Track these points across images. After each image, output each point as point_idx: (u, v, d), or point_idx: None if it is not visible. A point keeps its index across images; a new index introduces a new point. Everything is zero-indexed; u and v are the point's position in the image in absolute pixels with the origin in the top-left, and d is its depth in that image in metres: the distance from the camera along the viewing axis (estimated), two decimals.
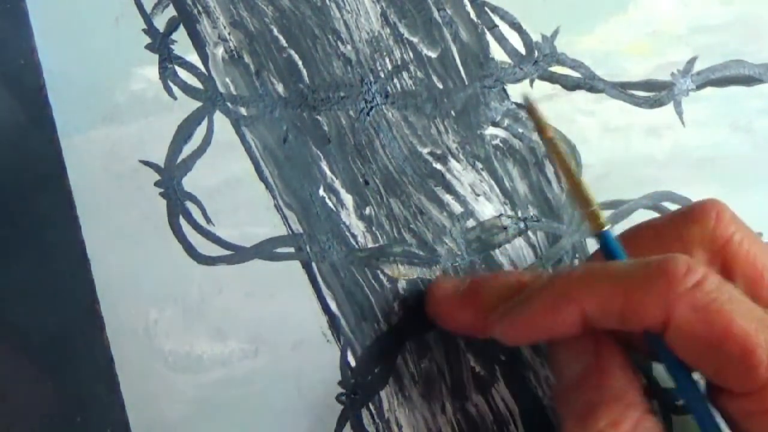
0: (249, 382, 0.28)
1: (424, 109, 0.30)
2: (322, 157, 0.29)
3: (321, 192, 0.29)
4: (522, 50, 0.31)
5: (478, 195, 0.31)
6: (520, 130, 0.31)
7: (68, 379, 0.26)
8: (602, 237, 0.25)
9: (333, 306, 0.29)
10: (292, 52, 0.29)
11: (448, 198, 0.30)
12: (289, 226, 0.29)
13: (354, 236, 0.29)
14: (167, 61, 0.28)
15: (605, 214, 0.29)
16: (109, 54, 0.28)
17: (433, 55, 0.31)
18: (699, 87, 0.33)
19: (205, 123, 0.28)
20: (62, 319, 0.26)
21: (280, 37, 0.29)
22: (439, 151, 0.30)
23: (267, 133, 0.29)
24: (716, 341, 0.21)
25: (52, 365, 0.25)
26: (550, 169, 0.32)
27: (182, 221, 0.28)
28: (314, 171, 0.29)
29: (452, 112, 0.31)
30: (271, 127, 0.29)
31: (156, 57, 0.28)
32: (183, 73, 0.28)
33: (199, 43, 0.29)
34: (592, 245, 0.31)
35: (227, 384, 0.27)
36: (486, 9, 0.31)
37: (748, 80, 0.33)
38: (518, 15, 0.31)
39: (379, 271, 0.29)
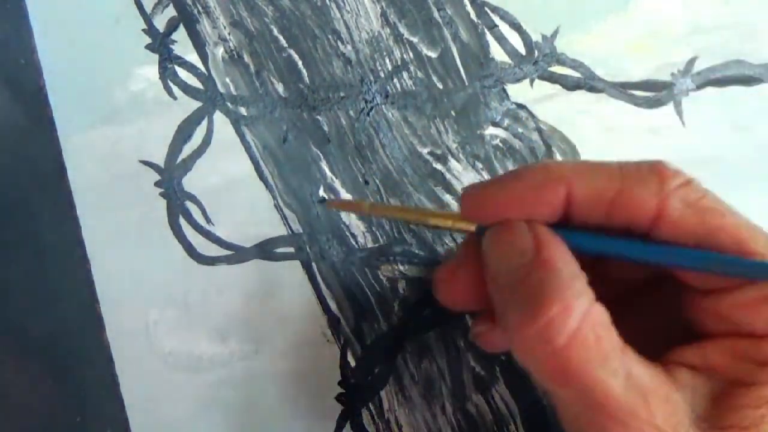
0: (249, 382, 0.28)
1: (424, 109, 0.30)
2: (322, 157, 0.29)
3: (321, 192, 0.29)
4: (522, 50, 0.31)
5: None
6: (520, 130, 0.31)
7: (68, 379, 0.26)
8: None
9: (333, 306, 0.29)
10: (292, 52, 0.29)
11: (448, 198, 0.30)
12: (289, 226, 0.29)
13: (354, 236, 0.29)
14: (167, 61, 0.28)
15: None
16: (109, 54, 0.28)
17: (433, 55, 0.31)
18: (699, 87, 0.33)
19: (205, 123, 0.28)
20: (62, 319, 0.26)
21: (280, 37, 0.29)
22: (439, 151, 0.30)
23: (267, 133, 0.29)
24: (709, 233, 0.21)
25: (52, 365, 0.25)
26: None
27: (182, 221, 0.28)
28: (314, 171, 0.29)
29: (452, 112, 0.31)
30: (271, 127, 0.29)
31: (156, 57, 0.28)
32: (183, 73, 0.28)
33: (199, 43, 0.29)
34: None
35: (227, 384, 0.27)
36: (486, 9, 0.31)
37: (748, 80, 0.33)
38: (518, 15, 0.31)
39: (379, 271, 0.30)
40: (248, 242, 0.28)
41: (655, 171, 0.22)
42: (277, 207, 0.29)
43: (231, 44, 0.29)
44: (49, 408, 0.25)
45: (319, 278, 0.29)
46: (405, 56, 0.30)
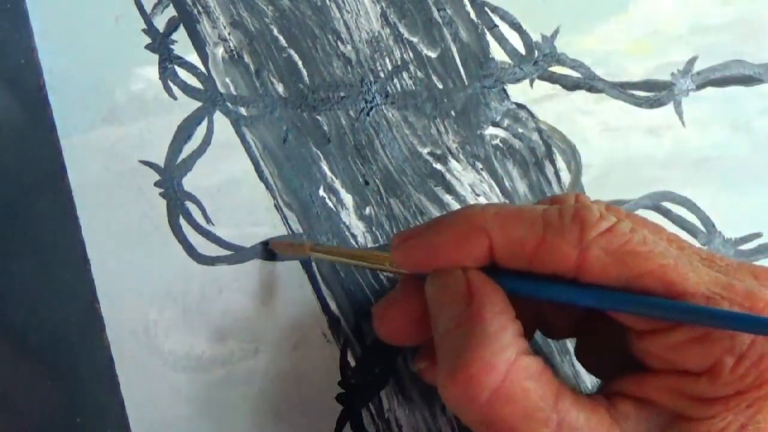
0: (249, 382, 0.28)
1: (424, 109, 0.30)
2: (322, 157, 0.29)
3: (321, 192, 0.29)
4: (522, 50, 0.31)
5: (478, 195, 0.31)
6: (520, 130, 0.31)
7: (68, 379, 0.26)
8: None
9: (333, 306, 0.29)
10: (292, 52, 0.29)
11: (448, 198, 0.30)
12: (289, 226, 0.29)
13: (354, 236, 0.29)
14: (167, 61, 0.28)
15: None
16: (109, 54, 0.28)
17: (433, 55, 0.31)
18: (699, 87, 0.33)
19: (205, 123, 0.28)
20: (62, 319, 0.26)
21: (280, 37, 0.29)
22: (439, 151, 0.30)
23: (267, 133, 0.29)
24: (634, 279, 0.21)
25: (52, 365, 0.25)
26: (550, 170, 0.32)
27: (182, 221, 0.28)
28: (314, 171, 0.29)
29: (452, 112, 0.31)
30: (271, 127, 0.29)
31: (156, 57, 0.28)
32: (183, 73, 0.28)
33: (199, 43, 0.29)
34: None
35: (227, 384, 0.27)
36: (486, 9, 0.31)
37: (748, 80, 0.33)
38: (518, 15, 0.31)
39: (379, 271, 0.29)
40: (248, 242, 0.28)
41: (577, 220, 0.21)
42: (277, 207, 0.29)
43: (231, 44, 0.29)
44: (49, 408, 0.25)
45: (319, 278, 0.29)
46: (405, 56, 0.30)
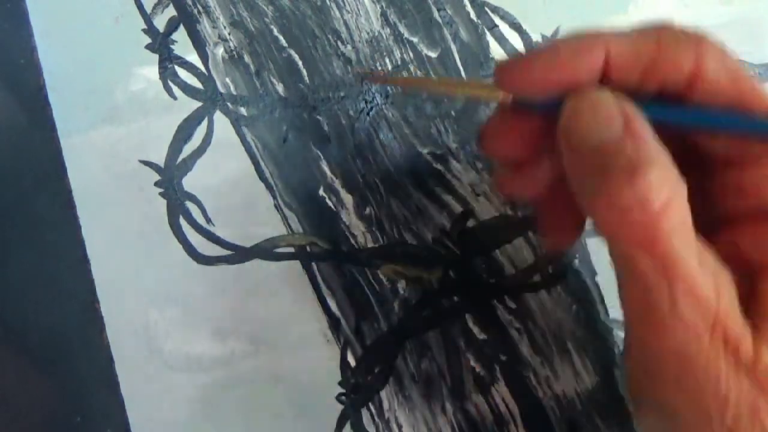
0: (249, 382, 0.28)
1: (424, 109, 0.30)
2: (322, 157, 0.29)
3: (321, 192, 0.29)
4: (522, 50, 0.31)
5: (478, 195, 0.31)
6: None
7: (68, 379, 0.26)
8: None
9: (333, 306, 0.29)
10: (292, 52, 0.29)
11: (448, 198, 0.30)
12: (289, 226, 0.29)
13: (354, 236, 0.29)
14: (167, 61, 0.28)
15: None
16: (109, 54, 0.28)
17: (433, 55, 0.31)
18: None
19: (205, 123, 0.28)
20: (62, 319, 0.26)
21: (280, 37, 0.29)
22: (439, 151, 0.30)
23: (267, 133, 0.29)
24: (742, 97, 0.21)
25: (52, 365, 0.25)
26: None
27: (182, 221, 0.28)
28: (314, 171, 0.29)
29: (452, 112, 0.31)
30: (271, 127, 0.29)
31: (156, 57, 0.28)
32: (183, 73, 0.28)
33: (199, 43, 0.29)
34: (591, 244, 0.31)
35: (227, 384, 0.27)
36: (486, 9, 0.31)
37: None
38: (518, 15, 0.31)
39: (379, 271, 0.30)
40: (248, 242, 0.28)
41: (692, 35, 0.22)
42: (277, 207, 0.29)
43: (231, 44, 0.29)
44: (49, 408, 0.25)
45: (319, 278, 0.29)
46: (405, 56, 0.30)
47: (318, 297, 0.29)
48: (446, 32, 0.31)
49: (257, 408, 0.28)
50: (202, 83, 0.28)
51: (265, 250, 0.28)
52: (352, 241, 0.29)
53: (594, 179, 0.22)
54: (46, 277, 0.26)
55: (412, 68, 0.30)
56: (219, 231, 0.28)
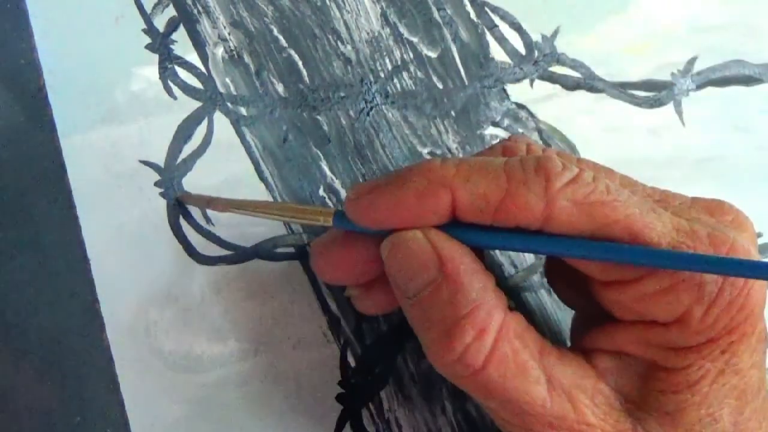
0: (249, 382, 0.28)
1: (424, 109, 0.30)
2: (322, 157, 0.29)
3: (321, 192, 0.29)
4: (522, 50, 0.31)
5: None
6: (520, 130, 0.31)
7: (68, 379, 0.26)
8: (337, 216, 0.24)
9: (333, 306, 0.29)
10: (292, 52, 0.29)
11: None
12: (289, 226, 0.29)
13: None
14: (167, 61, 0.28)
15: None
16: (109, 54, 0.28)
17: (433, 55, 0.31)
18: (699, 87, 0.33)
19: (205, 123, 0.28)
20: (62, 319, 0.26)
21: (280, 37, 0.29)
22: (439, 151, 0.30)
23: (267, 133, 0.29)
24: (601, 228, 0.21)
25: (52, 365, 0.25)
26: None
27: (182, 221, 0.28)
28: (314, 171, 0.29)
29: (452, 112, 0.31)
30: (271, 127, 0.29)
31: (156, 57, 0.28)
32: (183, 73, 0.28)
33: (199, 43, 0.29)
34: None
35: (227, 384, 0.27)
36: (486, 9, 0.31)
37: (748, 80, 0.33)
38: (518, 15, 0.31)
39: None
40: (248, 242, 0.28)
41: (541, 171, 0.21)
42: None
43: (231, 44, 0.29)
44: (49, 408, 0.25)
45: (319, 278, 0.29)
46: (405, 56, 0.30)
47: (318, 297, 0.29)
48: (446, 32, 0.31)
49: (257, 408, 0.28)
50: (202, 83, 0.28)
51: (265, 250, 0.28)
52: None
53: (419, 331, 0.22)
54: (46, 277, 0.26)
55: (412, 68, 0.30)
56: (219, 231, 0.28)
